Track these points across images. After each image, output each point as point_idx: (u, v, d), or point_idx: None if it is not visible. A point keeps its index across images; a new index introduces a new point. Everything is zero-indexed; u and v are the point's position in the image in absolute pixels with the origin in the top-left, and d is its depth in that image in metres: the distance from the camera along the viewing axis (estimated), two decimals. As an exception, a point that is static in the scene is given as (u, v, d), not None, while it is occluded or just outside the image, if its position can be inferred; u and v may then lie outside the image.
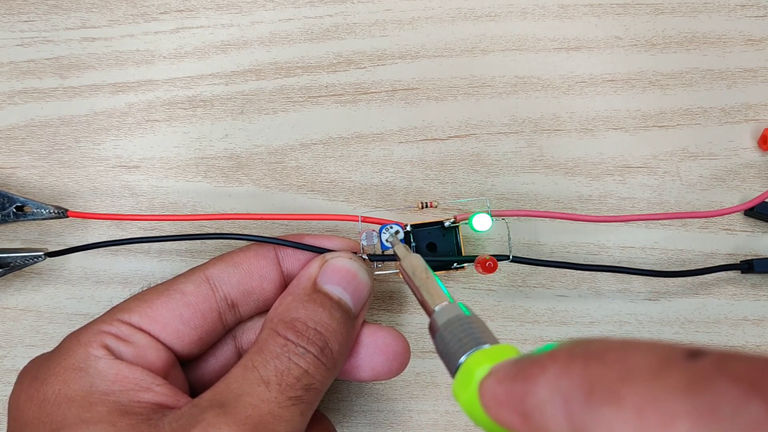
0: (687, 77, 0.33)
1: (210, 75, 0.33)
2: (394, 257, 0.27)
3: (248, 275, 0.26)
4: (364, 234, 0.27)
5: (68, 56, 0.33)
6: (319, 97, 0.33)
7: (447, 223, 0.28)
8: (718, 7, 0.33)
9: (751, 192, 0.32)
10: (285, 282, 0.27)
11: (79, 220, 0.32)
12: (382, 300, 0.32)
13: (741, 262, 0.31)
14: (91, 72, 0.33)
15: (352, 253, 0.26)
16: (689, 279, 0.31)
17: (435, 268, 0.28)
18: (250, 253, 0.26)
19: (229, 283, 0.25)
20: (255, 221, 0.32)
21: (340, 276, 0.25)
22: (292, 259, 0.27)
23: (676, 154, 0.33)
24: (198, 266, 0.26)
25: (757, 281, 0.32)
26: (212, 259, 0.26)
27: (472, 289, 0.32)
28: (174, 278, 0.25)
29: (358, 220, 0.28)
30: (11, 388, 0.24)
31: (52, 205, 0.30)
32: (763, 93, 0.33)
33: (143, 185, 0.32)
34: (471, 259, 0.28)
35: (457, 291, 0.32)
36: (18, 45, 0.33)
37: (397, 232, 0.28)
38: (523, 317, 0.32)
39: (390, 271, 0.28)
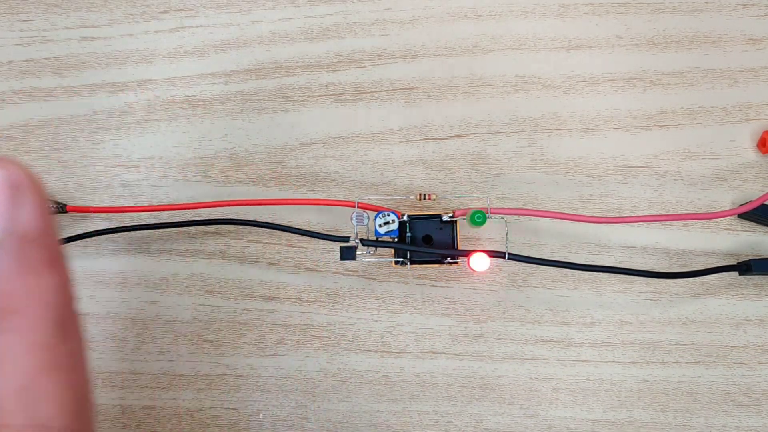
0: (688, 76, 0.33)
1: (209, 74, 0.33)
2: (387, 244, 0.27)
3: None
4: (354, 214, 0.27)
5: (67, 56, 0.33)
6: (319, 96, 0.33)
7: (445, 218, 0.28)
8: (719, 6, 0.33)
9: (752, 192, 0.32)
10: None
11: (78, 216, 0.32)
12: (382, 300, 0.32)
13: (738, 263, 0.31)
14: (90, 71, 0.33)
15: None
16: (690, 279, 0.31)
17: (427, 262, 0.28)
18: None
19: None
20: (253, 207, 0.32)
21: None
22: None
23: (678, 153, 0.32)
24: None
25: (759, 281, 0.32)
26: None
27: (472, 289, 0.32)
28: None
29: (354, 206, 0.28)
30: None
31: (50, 200, 0.30)
32: (765, 92, 0.33)
33: (143, 185, 0.32)
34: (463, 253, 0.28)
35: (458, 291, 0.32)
36: (17, 44, 0.33)
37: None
38: (524, 317, 0.32)
39: (382, 259, 0.28)
